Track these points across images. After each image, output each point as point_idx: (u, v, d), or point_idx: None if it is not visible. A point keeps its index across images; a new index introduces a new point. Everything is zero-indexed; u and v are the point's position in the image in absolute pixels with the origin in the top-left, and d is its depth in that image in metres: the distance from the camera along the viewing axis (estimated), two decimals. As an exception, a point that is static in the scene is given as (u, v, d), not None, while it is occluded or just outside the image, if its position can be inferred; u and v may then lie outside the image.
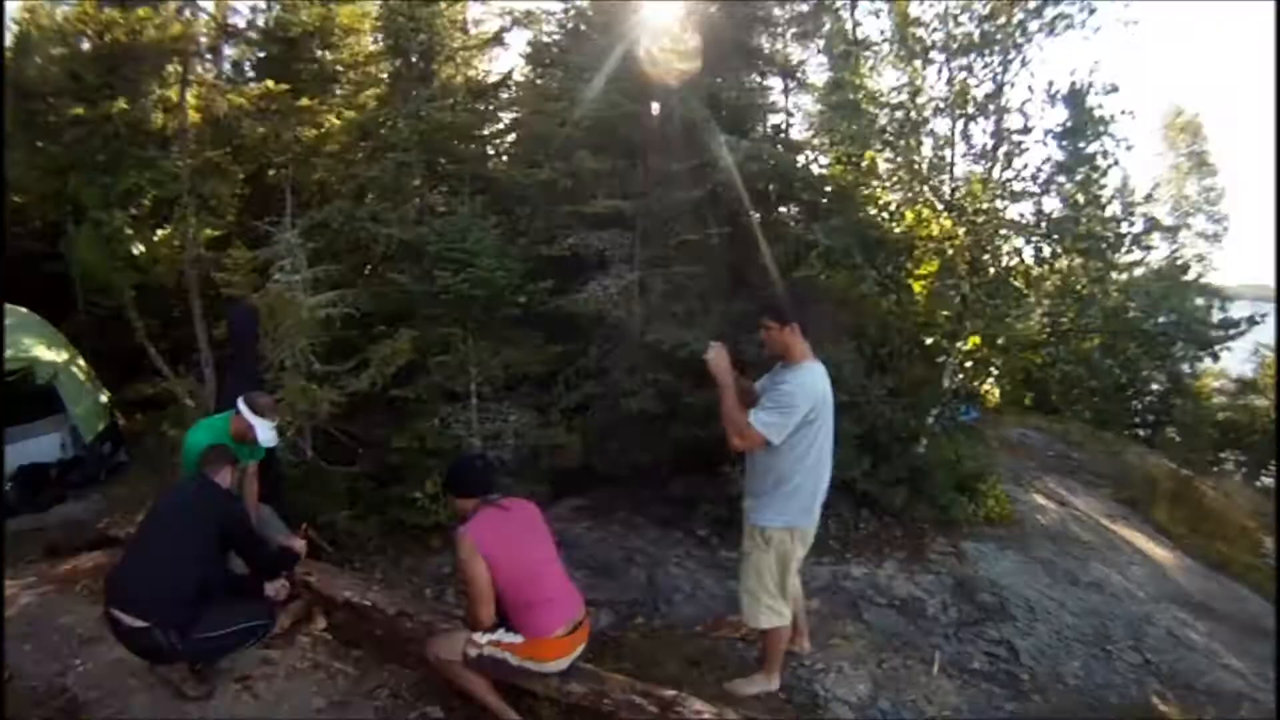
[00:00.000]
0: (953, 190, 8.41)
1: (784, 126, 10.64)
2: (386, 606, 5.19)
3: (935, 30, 8.34)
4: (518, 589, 3.99)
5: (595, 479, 8.29)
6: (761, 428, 4.12)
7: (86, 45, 10.43)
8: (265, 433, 5.16)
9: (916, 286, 9.02)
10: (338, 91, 10.59)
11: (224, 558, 4.60)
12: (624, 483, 8.19)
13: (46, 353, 10.16)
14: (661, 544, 7.29)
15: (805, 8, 10.36)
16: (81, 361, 11.13)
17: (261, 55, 11.39)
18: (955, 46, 8.15)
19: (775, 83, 10.62)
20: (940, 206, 8.49)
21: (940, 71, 8.34)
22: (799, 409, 4.12)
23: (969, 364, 8.79)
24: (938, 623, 6.08)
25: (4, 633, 4.51)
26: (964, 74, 8.17)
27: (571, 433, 7.93)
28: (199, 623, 4.22)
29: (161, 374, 10.28)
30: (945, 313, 8.79)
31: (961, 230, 8.21)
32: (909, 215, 8.88)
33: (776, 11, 10.15)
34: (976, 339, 8.45)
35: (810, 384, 4.20)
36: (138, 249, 9.36)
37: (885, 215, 8.89)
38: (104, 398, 11.05)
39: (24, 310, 11.21)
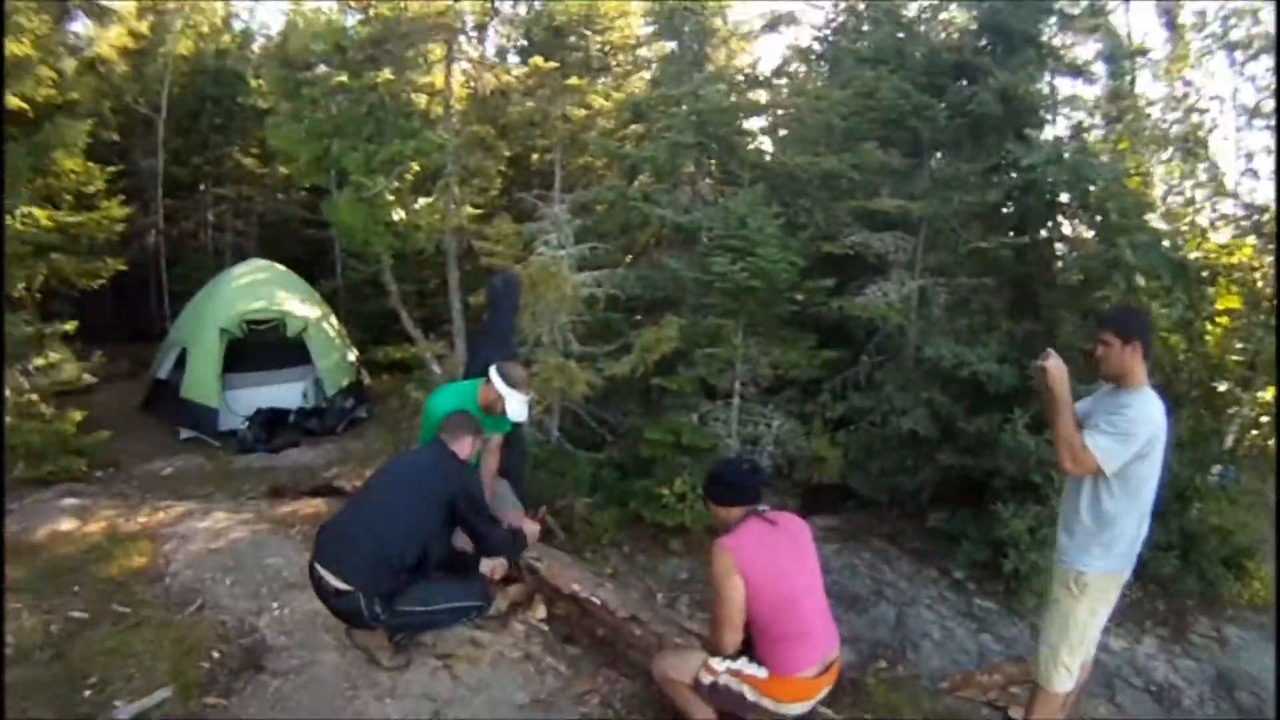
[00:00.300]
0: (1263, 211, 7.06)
1: (1083, 127, 9.20)
2: (617, 607, 4.50)
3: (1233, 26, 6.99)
4: (773, 618, 3.46)
5: (848, 499, 7.62)
6: (1098, 453, 3.63)
7: (352, 21, 10.80)
8: (516, 406, 4.60)
9: (1223, 322, 7.78)
10: (606, 75, 10.29)
11: (448, 532, 4.15)
12: (879, 507, 7.53)
13: (299, 308, 10.66)
14: (915, 581, 6.63)
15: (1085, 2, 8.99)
16: (334, 320, 11.70)
17: (526, 42, 11.38)
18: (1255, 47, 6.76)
19: (1064, 83, 9.23)
20: (1247, 227, 7.22)
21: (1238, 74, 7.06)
22: (1138, 438, 3.65)
23: (1262, 419, 7.48)
24: (1193, 717, 5.43)
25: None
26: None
27: (834, 446, 7.05)
28: (408, 594, 3.84)
29: (411, 339, 10.43)
30: (1237, 357, 7.62)
31: (1268, 259, 6.87)
32: (1209, 238, 7.67)
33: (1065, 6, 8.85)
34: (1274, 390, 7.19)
35: (1150, 413, 3.72)
36: (398, 215, 9.39)
37: (1184, 235, 7.68)
38: (352, 356, 11.59)
39: (282, 268, 11.86)
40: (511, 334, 5.94)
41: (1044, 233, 7.58)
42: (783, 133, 9.96)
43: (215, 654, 4.12)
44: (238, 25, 18.46)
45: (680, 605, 5.87)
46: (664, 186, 8.28)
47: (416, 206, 9.74)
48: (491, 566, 4.47)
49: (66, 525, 5.91)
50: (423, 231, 9.41)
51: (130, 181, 15.61)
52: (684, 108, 8.22)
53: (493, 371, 4.63)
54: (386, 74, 9.74)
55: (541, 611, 4.77)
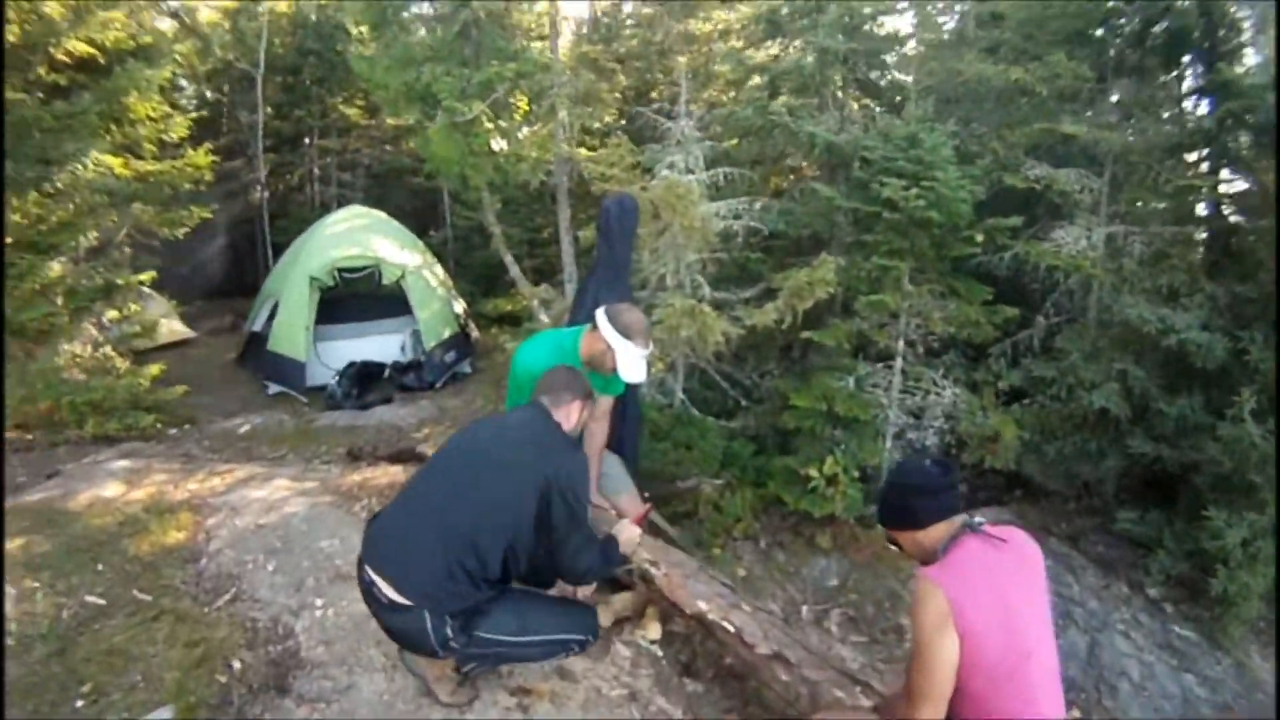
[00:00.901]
0: None
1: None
2: (756, 641, 3.16)
3: None
4: (991, 692, 2.29)
5: (1018, 487, 6.52)
6: None
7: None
8: (631, 361, 3.38)
9: None
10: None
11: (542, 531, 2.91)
12: (1056, 499, 6.48)
13: (397, 254, 9.79)
14: (1105, 600, 5.69)
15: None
16: (439, 270, 10.82)
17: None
18: None
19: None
20: None
21: None
22: None
23: None
24: None
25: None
26: None
27: (1010, 423, 5.65)
28: (493, 618, 2.79)
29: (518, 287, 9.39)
30: None
31: None
32: None
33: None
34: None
35: None
36: (499, 145, 8.26)
37: None
38: (459, 307, 10.66)
39: (381, 214, 11.03)
40: (626, 271, 4.68)
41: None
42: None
43: (236, 664, 3.31)
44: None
45: (830, 623, 4.82)
46: (810, 103, 6.88)
47: (521, 135, 8.56)
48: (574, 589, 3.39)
49: (111, 490, 5.12)
50: (526, 163, 8.22)
51: (234, 138, 15.81)
52: (832, 7, 6.77)
53: (601, 316, 3.43)
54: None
55: (655, 631, 3.61)
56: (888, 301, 5.28)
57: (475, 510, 2.69)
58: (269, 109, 15.61)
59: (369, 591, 2.76)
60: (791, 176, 7.56)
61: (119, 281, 7.73)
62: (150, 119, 8.51)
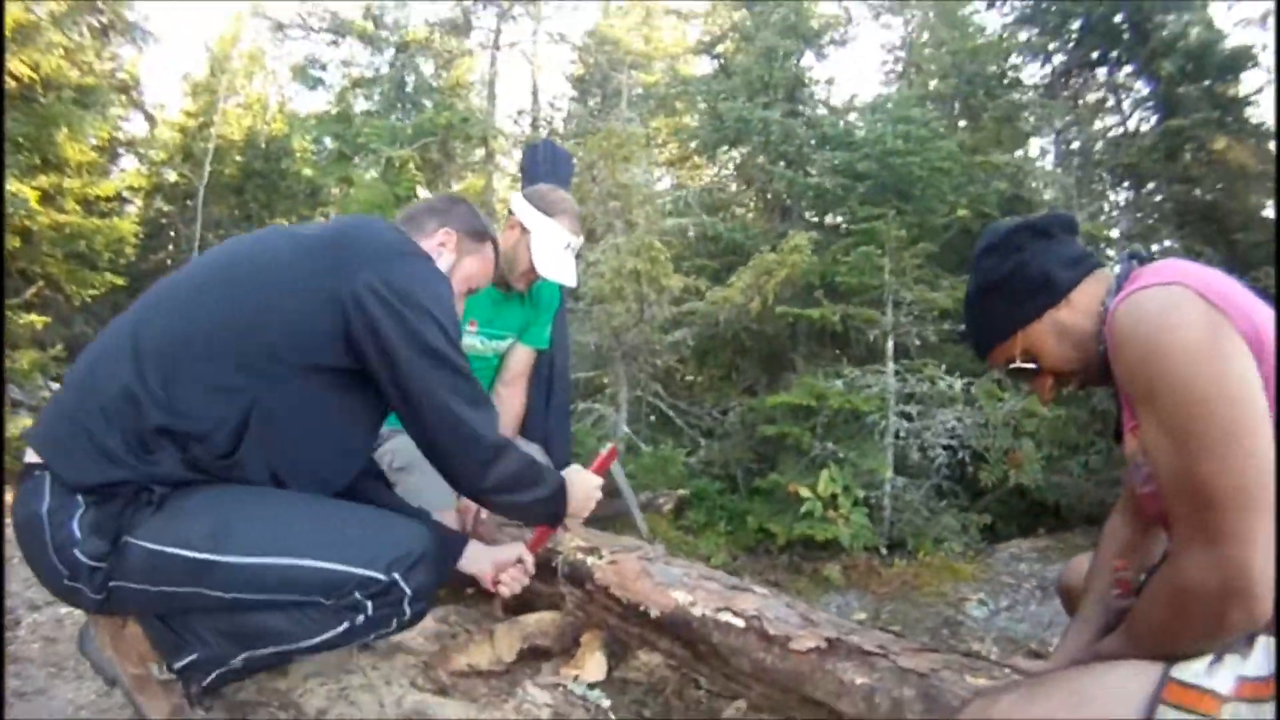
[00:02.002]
0: None
1: None
2: (790, 630, 1.67)
3: None
4: None
5: (1042, 514, 5.29)
6: None
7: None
8: (553, 250, 2.37)
9: None
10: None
11: (352, 401, 1.51)
12: (1086, 525, 4.98)
13: None
14: None
15: None
16: None
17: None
18: None
19: None
20: None
21: None
22: None
23: None
24: None
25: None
26: None
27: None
28: (167, 513, 1.34)
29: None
30: None
31: None
32: None
33: None
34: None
35: None
36: (425, 193, 7.43)
37: None
38: None
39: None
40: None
41: None
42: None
43: None
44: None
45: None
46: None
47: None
48: (469, 520, 2.23)
49: None
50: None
51: (169, 253, 14.89)
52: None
53: (516, 198, 2.48)
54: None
55: (597, 669, 2.08)
56: (871, 256, 4.12)
57: (195, 325, 1.38)
58: (211, 227, 14.62)
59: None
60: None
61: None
62: (79, 167, 7.64)
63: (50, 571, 1.33)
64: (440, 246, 1.67)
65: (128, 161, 10.24)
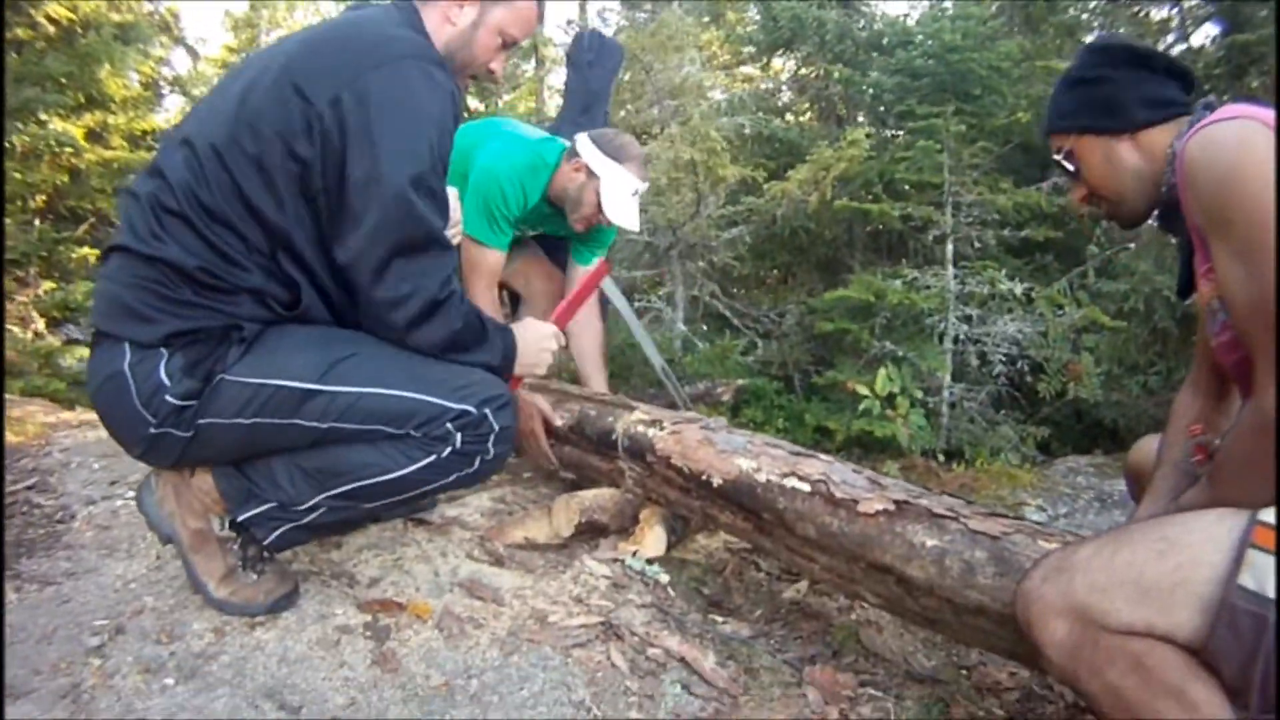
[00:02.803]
0: None
1: None
2: (857, 493, 1.58)
3: None
4: None
5: (1098, 432, 4.99)
6: None
7: None
8: (622, 195, 2.33)
9: None
10: None
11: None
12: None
13: None
14: None
15: None
16: None
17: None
18: None
19: None
20: None
21: None
22: None
23: None
24: None
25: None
26: None
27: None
28: (257, 351, 1.35)
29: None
30: None
31: None
32: None
33: None
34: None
35: None
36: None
37: None
38: None
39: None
40: (602, 104, 3.34)
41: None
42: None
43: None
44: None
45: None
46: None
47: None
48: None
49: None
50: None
51: None
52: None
53: (582, 138, 2.38)
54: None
55: (656, 544, 2.04)
56: (930, 151, 3.91)
57: (225, 129, 1.31)
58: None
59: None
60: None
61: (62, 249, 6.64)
62: (124, 102, 7.59)
63: (134, 423, 1.32)
64: (451, 11, 1.48)
65: (173, 101, 10.09)
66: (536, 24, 1.64)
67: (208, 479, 1.44)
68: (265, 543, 1.46)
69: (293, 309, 1.36)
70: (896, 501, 1.51)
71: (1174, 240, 1.37)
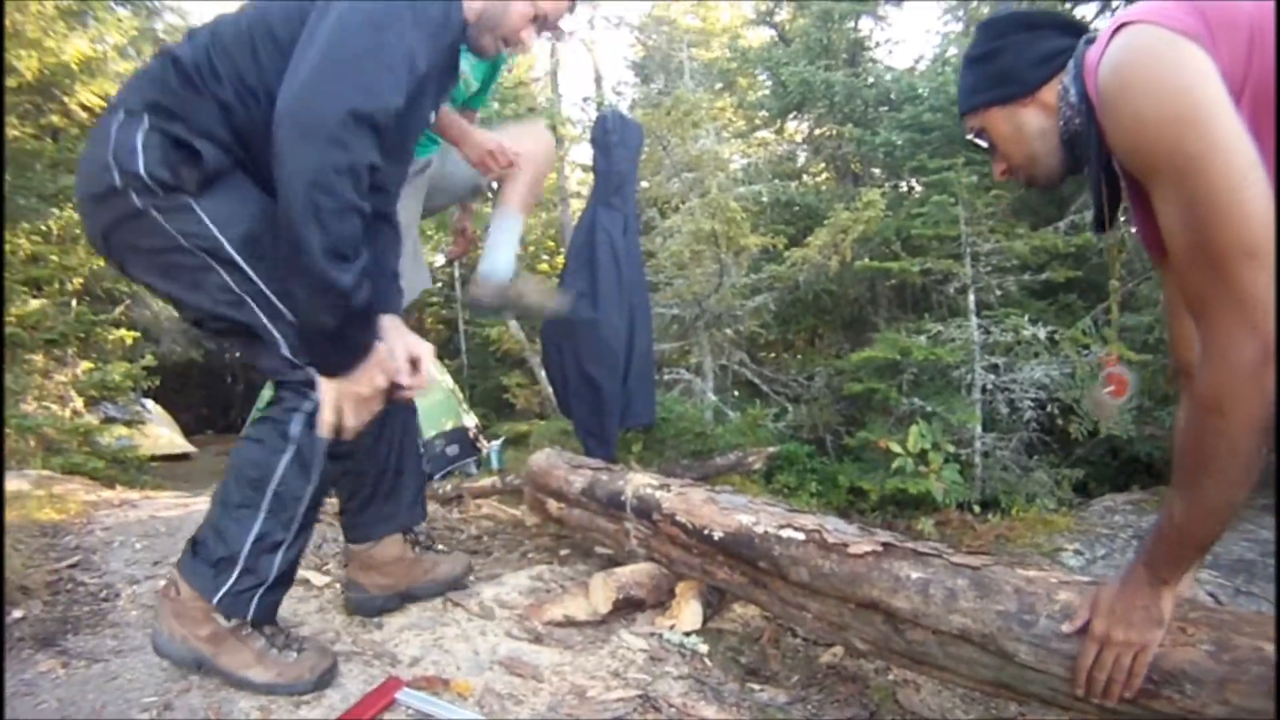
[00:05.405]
0: None
1: None
2: (847, 537, 1.71)
3: None
4: None
5: (1134, 470, 5.12)
6: None
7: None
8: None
9: None
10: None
11: None
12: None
13: None
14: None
15: None
16: (446, 376, 9.07)
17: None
18: None
19: None
20: None
21: None
22: None
23: None
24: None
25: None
26: None
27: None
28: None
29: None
30: None
31: None
32: None
33: None
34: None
35: None
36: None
37: None
38: (469, 421, 8.50)
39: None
40: (629, 185, 3.51)
41: None
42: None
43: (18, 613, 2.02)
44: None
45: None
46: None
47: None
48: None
49: (13, 483, 3.74)
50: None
51: None
52: None
53: None
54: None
55: (692, 618, 2.07)
56: (945, 205, 3.97)
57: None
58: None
59: None
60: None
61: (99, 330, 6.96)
62: None
63: (100, 172, 1.41)
64: None
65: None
66: (567, 9, 1.72)
67: (189, 590, 1.49)
68: (248, 618, 1.50)
69: (245, 138, 1.45)
70: (884, 543, 1.64)
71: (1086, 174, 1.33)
